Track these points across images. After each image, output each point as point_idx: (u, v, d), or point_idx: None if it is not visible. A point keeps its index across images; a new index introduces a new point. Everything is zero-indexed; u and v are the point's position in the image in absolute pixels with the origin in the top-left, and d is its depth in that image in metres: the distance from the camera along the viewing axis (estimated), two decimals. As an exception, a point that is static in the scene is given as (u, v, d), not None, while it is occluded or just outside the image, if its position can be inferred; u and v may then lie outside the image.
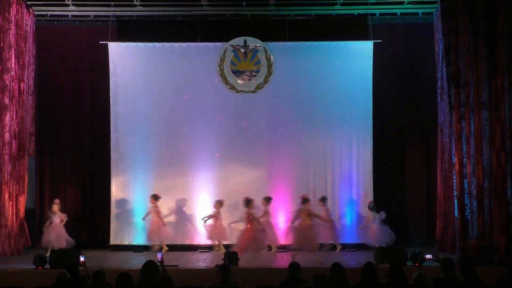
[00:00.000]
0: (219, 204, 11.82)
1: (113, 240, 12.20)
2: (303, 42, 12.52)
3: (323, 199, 11.88)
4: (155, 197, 11.80)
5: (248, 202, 11.31)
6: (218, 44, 12.60)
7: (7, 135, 11.23)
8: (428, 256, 6.93)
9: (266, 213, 11.62)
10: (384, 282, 5.67)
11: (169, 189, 12.32)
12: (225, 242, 11.73)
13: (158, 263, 6.90)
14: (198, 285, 7.27)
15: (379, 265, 8.83)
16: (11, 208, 11.28)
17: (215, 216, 11.79)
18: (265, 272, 9.08)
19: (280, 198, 12.31)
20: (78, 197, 12.64)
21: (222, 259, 9.37)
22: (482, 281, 6.10)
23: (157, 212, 11.80)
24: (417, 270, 6.38)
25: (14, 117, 11.47)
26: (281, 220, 12.23)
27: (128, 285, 5.93)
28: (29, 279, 8.61)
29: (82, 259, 7.40)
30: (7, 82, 11.27)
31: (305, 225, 11.37)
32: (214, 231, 11.76)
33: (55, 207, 11.42)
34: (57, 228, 11.27)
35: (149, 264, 6.46)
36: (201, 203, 12.31)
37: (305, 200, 11.53)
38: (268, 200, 11.70)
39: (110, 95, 12.50)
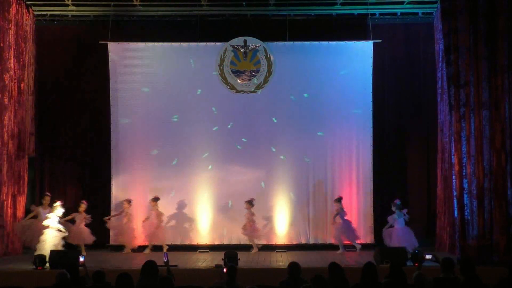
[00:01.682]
0: (128, 202, 11.91)
1: (113, 240, 12.19)
2: (303, 42, 12.51)
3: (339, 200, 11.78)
4: (155, 199, 11.86)
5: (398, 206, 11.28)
6: (218, 44, 12.60)
7: (5, 135, 11.23)
8: (428, 256, 6.94)
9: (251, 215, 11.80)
10: (384, 282, 5.68)
11: (169, 189, 12.33)
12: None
13: (164, 264, 6.91)
14: (198, 285, 7.29)
15: (379, 265, 8.84)
16: (9, 208, 11.27)
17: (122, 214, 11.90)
18: (265, 272, 9.09)
19: (279, 198, 12.31)
20: (78, 197, 12.60)
21: (222, 259, 9.39)
22: (482, 281, 6.10)
23: (159, 213, 11.84)
24: (417, 270, 6.39)
25: (13, 117, 11.48)
26: (281, 220, 12.24)
27: (128, 285, 5.92)
28: (29, 279, 8.63)
29: (81, 259, 7.39)
30: (6, 82, 11.28)
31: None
32: (120, 231, 11.84)
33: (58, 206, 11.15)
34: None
35: (149, 264, 6.46)
36: (201, 203, 12.31)
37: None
38: (251, 203, 11.80)
39: (110, 95, 12.50)
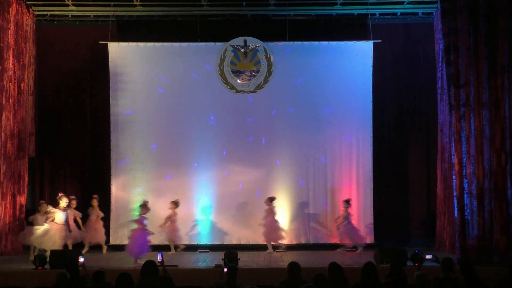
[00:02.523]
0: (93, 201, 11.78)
1: (113, 240, 12.19)
2: (303, 42, 12.51)
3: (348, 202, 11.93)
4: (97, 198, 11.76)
5: None
6: (218, 44, 12.60)
7: (3, 135, 11.22)
8: (428, 256, 6.95)
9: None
10: (384, 282, 5.68)
11: (169, 189, 12.32)
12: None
13: (159, 264, 6.91)
14: (198, 285, 7.29)
15: (379, 265, 8.84)
16: (5, 208, 11.24)
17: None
18: (265, 272, 9.09)
19: (280, 198, 12.30)
20: (78, 197, 12.60)
21: (222, 259, 9.39)
22: (482, 281, 6.10)
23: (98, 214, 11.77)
24: (417, 270, 6.39)
25: (12, 117, 11.46)
26: (281, 220, 12.22)
27: (128, 285, 5.93)
28: (29, 279, 8.64)
29: (81, 260, 7.39)
30: (4, 82, 11.27)
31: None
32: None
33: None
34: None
35: (149, 264, 6.47)
36: (201, 203, 12.31)
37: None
38: (176, 204, 11.68)
39: (110, 95, 12.50)
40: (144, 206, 10.38)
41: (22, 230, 11.23)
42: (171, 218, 11.58)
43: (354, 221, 11.93)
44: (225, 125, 12.50)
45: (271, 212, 11.71)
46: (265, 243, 11.73)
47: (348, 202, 11.85)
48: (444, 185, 11.61)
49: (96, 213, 11.62)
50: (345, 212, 11.80)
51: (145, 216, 10.29)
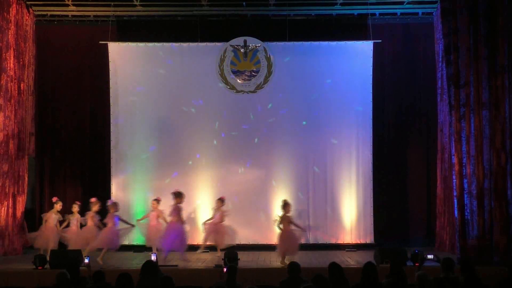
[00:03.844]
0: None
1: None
2: (303, 42, 12.52)
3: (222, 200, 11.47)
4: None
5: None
6: (218, 44, 12.61)
7: (1, 135, 11.21)
8: (430, 256, 6.96)
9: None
10: (384, 282, 5.69)
11: (169, 189, 12.28)
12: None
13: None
14: (198, 285, 7.30)
15: (379, 265, 8.84)
16: (6, 208, 11.24)
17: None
18: (265, 272, 9.10)
19: (279, 198, 12.28)
20: (78, 197, 12.59)
21: (222, 259, 9.39)
22: (482, 281, 6.10)
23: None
24: (418, 270, 6.40)
25: (12, 117, 11.46)
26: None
27: (128, 285, 5.93)
28: (29, 279, 8.65)
29: (86, 260, 7.42)
30: (2, 82, 11.26)
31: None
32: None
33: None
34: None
35: (149, 264, 6.47)
36: (201, 203, 12.31)
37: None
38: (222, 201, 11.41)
39: (110, 95, 12.51)
40: (287, 205, 10.19)
41: (23, 231, 11.26)
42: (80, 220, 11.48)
43: (228, 222, 11.41)
44: (225, 125, 12.50)
45: (157, 214, 11.34)
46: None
47: (222, 200, 11.33)
48: (444, 185, 11.61)
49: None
50: (217, 211, 11.27)
51: (288, 214, 10.12)
